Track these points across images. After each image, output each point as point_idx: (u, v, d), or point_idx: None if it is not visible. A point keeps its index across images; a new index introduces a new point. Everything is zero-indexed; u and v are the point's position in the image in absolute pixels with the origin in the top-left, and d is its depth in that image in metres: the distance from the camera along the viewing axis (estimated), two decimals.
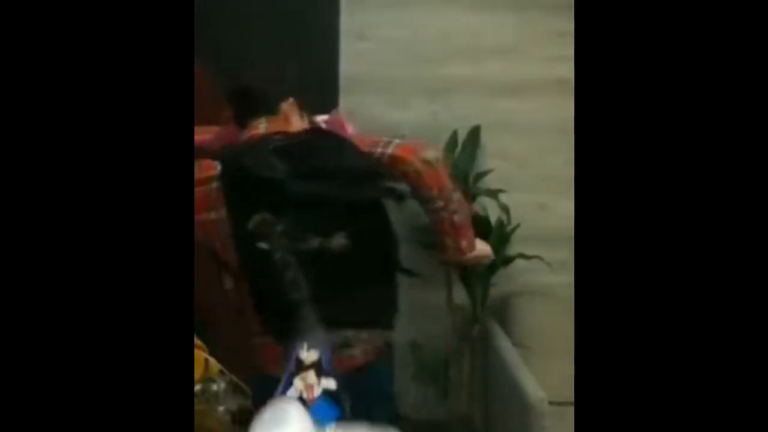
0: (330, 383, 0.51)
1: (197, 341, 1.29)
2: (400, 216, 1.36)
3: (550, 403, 1.71)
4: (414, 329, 2.37)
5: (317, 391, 0.51)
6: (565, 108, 2.33)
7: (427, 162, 1.21)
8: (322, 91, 1.38)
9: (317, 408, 0.50)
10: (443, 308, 2.28)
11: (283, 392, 0.51)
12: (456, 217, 1.27)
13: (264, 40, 2.04)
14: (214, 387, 1.28)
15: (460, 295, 2.28)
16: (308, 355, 0.51)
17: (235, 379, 1.32)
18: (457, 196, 1.27)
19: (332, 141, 1.20)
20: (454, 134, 2.34)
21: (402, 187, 1.36)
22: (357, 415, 0.57)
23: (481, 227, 2.26)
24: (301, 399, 0.50)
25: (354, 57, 2.24)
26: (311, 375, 0.51)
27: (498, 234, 2.24)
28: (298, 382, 0.51)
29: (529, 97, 2.38)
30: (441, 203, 1.25)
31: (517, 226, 2.30)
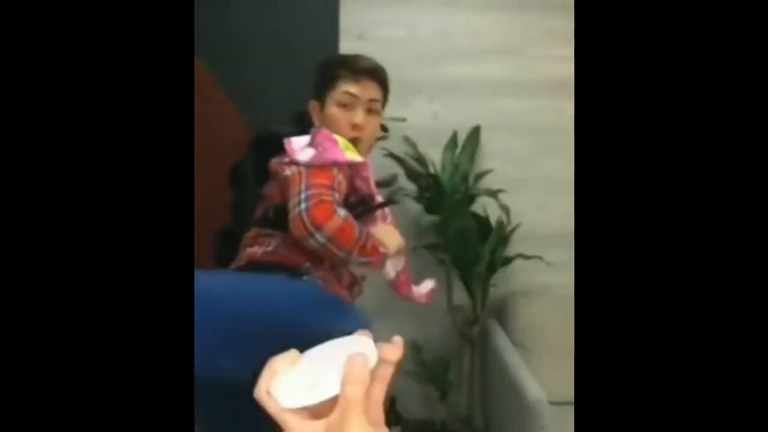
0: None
1: None
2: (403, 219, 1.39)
3: (550, 403, 1.71)
4: (414, 329, 2.37)
5: None
6: (565, 108, 2.36)
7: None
8: None
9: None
10: (443, 308, 2.28)
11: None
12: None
13: (263, 40, 2.04)
14: None
15: (460, 295, 2.28)
16: None
17: None
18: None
19: None
20: (454, 134, 2.34)
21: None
22: None
23: (481, 227, 2.28)
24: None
25: None
26: None
27: (498, 234, 2.24)
28: None
29: (529, 97, 2.39)
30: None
31: (517, 226, 2.30)
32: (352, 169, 1.30)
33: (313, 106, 1.41)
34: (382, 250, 1.26)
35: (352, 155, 1.29)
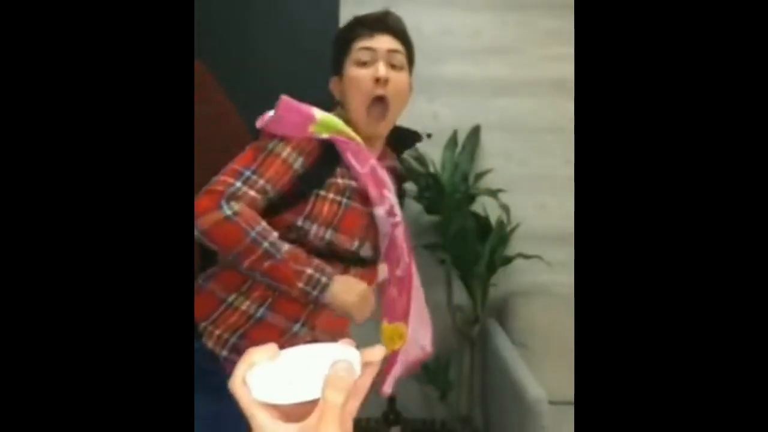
0: None
1: None
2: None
3: (550, 403, 1.71)
4: None
5: None
6: (565, 108, 2.36)
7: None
8: (321, 90, 1.38)
9: None
10: (443, 308, 2.28)
11: None
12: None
13: (263, 40, 2.04)
14: None
15: (460, 295, 2.28)
16: None
17: None
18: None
19: None
20: (454, 134, 2.34)
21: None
22: None
23: (481, 227, 2.28)
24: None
25: None
26: None
27: (498, 234, 2.24)
28: None
29: (529, 97, 2.39)
30: None
31: (517, 226, 2.30)
32: (345, 148, 1.13)
33: (333, 82, 1.28)
34: (299, 285, 1.06)
35: (331, 133, 1.13)
